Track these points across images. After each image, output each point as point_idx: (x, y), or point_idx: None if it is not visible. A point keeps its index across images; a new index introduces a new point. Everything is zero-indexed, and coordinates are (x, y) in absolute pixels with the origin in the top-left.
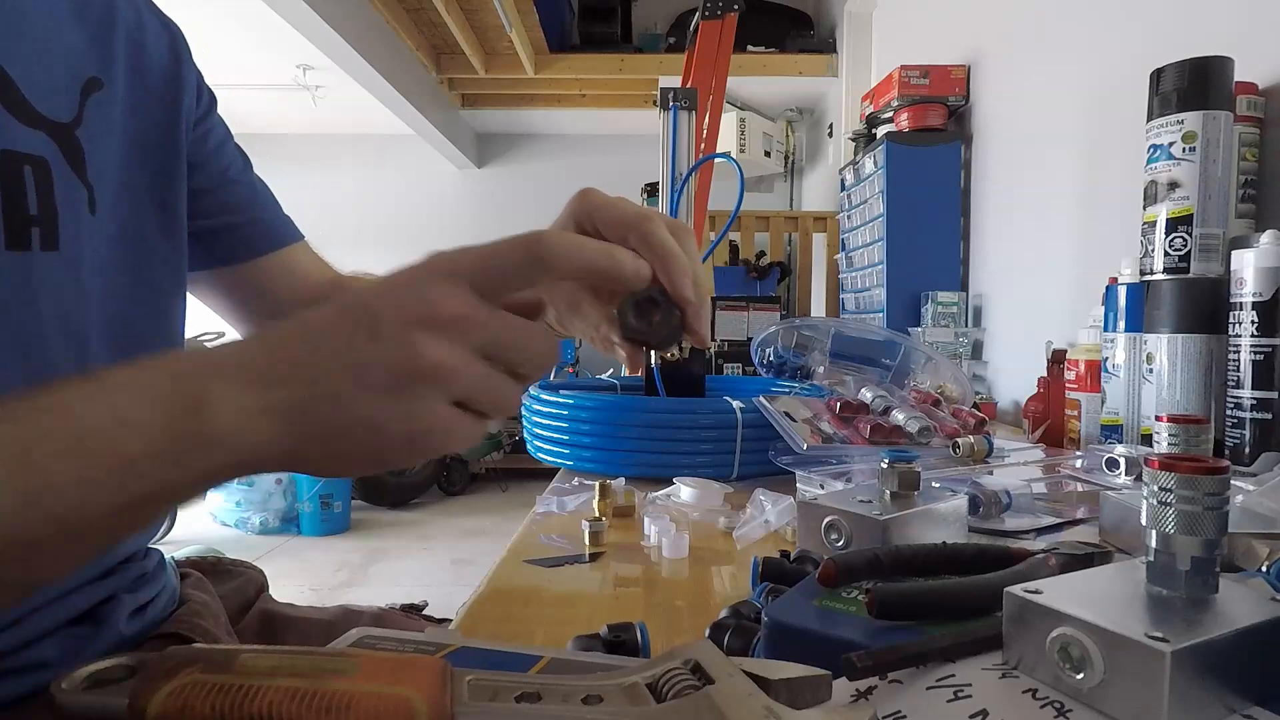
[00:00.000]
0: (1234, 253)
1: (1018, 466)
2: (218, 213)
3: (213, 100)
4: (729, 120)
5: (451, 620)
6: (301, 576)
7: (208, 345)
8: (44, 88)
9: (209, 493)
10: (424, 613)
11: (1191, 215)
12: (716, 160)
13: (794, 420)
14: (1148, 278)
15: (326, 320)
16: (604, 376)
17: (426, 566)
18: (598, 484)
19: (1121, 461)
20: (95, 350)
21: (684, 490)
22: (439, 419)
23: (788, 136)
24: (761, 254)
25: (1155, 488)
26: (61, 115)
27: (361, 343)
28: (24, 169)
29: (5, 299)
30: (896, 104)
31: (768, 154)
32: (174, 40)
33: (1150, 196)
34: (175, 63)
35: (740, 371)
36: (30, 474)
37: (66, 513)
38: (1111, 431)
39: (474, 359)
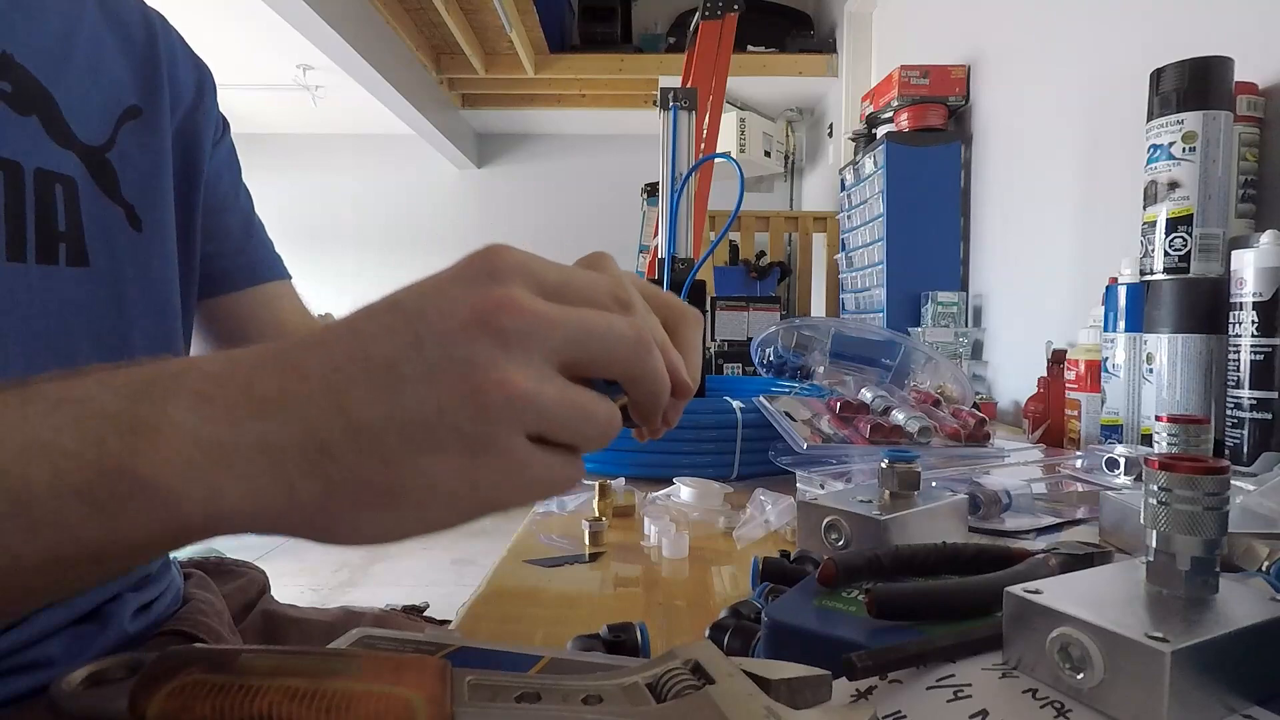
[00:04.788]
0: (1234, 253)
1: (1018, 466)
2: (207, 238)
3: (226, 128)
4: (729, 120)
5: (451, 621)
6: (302, 576)
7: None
8: (82, 112)
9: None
10: (425, 614)
11: (1191, 215)
12: (716, 160)
13: (794, 420)
14: (1148, 278)
15: (344, 321)
16: None
17: (427, 566)
18: (598, 484)
19: (1121, 461)
20: None
21: (684, 490)
22: (513, 459)
23: (788, 136)
24: (761, 254)
25: (1155, 488)
26: (94, 139)
27: (399, 350)
28: (54, 187)
29: (33, 312)
30: (896, 104)
31: (768, 154)
32: (201, 78)
33: (1150, 196)
34: (199, 98)
35: (740, 371)
36: None
37: None
38: (1111, 431)
39: (555, 378)
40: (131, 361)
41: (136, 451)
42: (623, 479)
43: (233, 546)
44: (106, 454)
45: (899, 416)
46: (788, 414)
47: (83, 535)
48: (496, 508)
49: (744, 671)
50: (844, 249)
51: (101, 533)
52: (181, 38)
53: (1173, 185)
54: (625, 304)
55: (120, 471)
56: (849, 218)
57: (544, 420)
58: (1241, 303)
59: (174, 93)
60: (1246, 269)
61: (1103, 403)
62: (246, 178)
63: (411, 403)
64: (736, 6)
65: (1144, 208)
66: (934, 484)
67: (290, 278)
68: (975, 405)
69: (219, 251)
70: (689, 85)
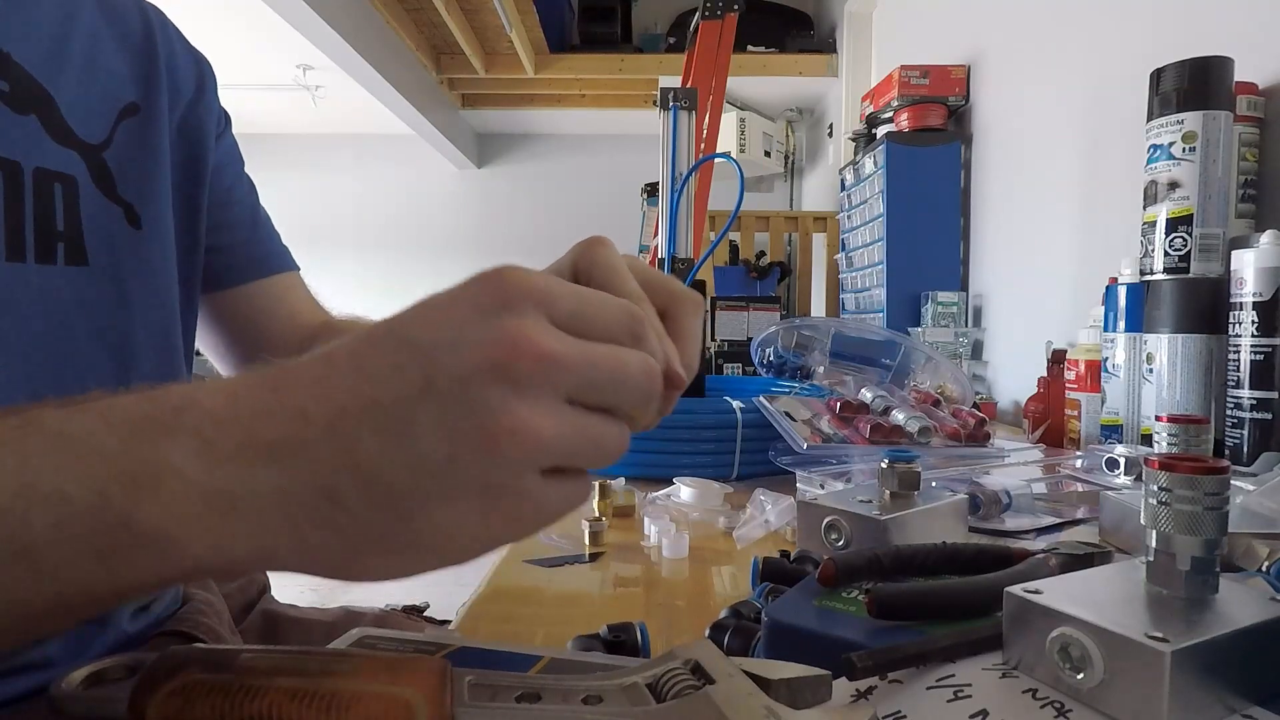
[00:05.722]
0: (1234, 253)
1: (1018, 466)
2: (213, 230)
3: (228, 122)
4: (729, 120)
5: (451, 621)
6: (302, 576)
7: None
8: (82, 109)
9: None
10: (425, 614)
11: (1191, 215)
12: (716, 160)
13: (794, 420)
14: (1148, 278)
15: (348, 355)
16: None
17: None
18: (597, 484)
19: (1121, 461)
20: (140, 363)
21: (684, 490)
22: (527, 498)
23: (788, 136)
24: (761, 254)
25: (1155, 488)
26: (93, 137)
27: (409, 396)
28: (54, 186)
29: (33, 311)
30: (896, 104)
31: (768, 154)
32: (201, 72)
33: (1150, 196)
34: (199, 91)
35: (740, 371)
36: None
37: None
38: (1111, 431)
39: (566, 412)
40: (132, 390)
41: (139, 503)
42: (623, 479)
43: None
44: (108, 504)
45: (899, 416)
46: (788, 414)
47: (87, 582)
48: (512, 540)
49: (744, 671)
50: (844, 249)
51: (106, 579)
52: (179, 32)
53: (1173, 185)
54: (639, 337)
55: (124, 523)
56: (849, 218)
57: (557, 457)
58: (1241, 303)
59: (173, 87)
60: (1246, 269)
61: (1103, 403)
62: None
63: (423, 453)
64: (736, 6)
65: (1144, 208)
66: (934, 484)
67: (299, 269)
68: (975, 405)
69: (225, 244)
70: (689, 85)
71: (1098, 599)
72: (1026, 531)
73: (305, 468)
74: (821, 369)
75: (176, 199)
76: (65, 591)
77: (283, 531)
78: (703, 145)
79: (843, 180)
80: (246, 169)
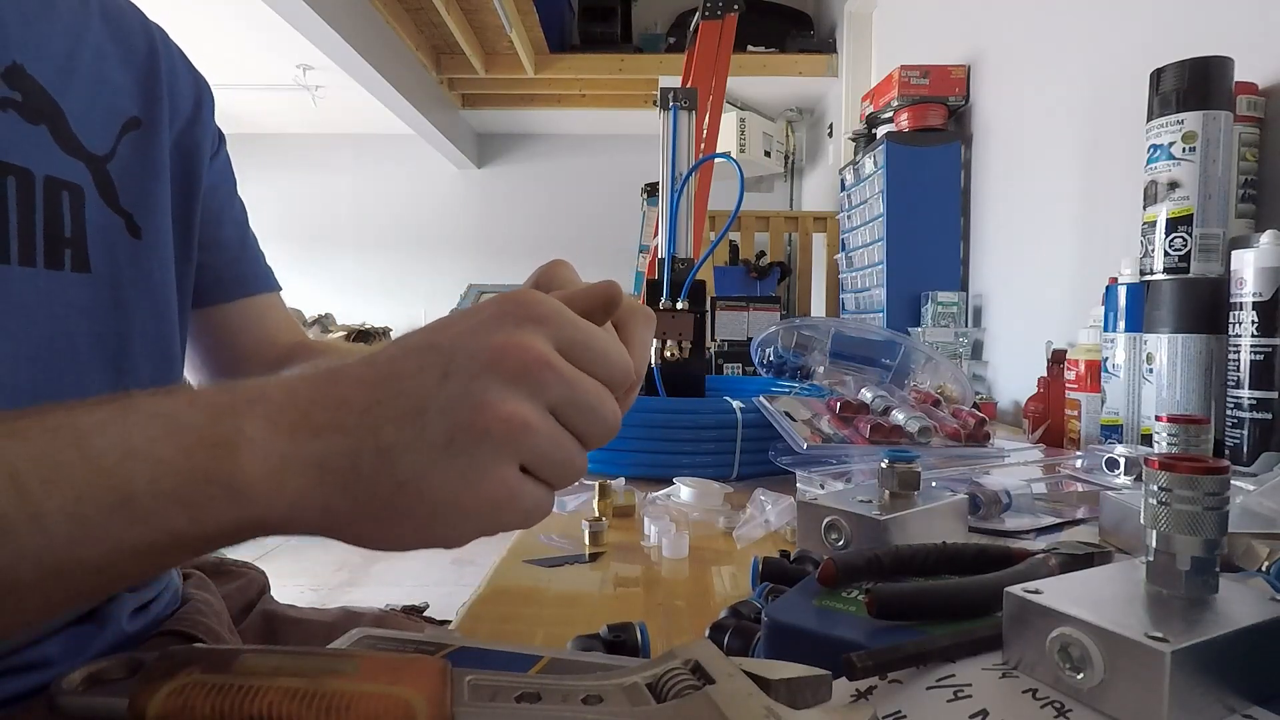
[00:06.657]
0: (1234, 253)
1: (1018, 466)
2: (202, 248)
3: (222, 142)
4: (729, 120)
5: (451, 621)
6: (302, 576)
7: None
8: (88, 121)
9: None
10: (425, 614)
11: (1191, 215)
12: (716, 160)
13: (794, 420)
14: (1148, 278)
15: (386, 359)
16: None
17: (427, 567)
18: (597, 484)
19: (1121, 461)
20: (136, 370)
21: (684, 490)
22: (505, 486)
23: (788, 136)
24: (761, 254)
25: (1155, 488)
26: (98, 148)
27: (428, 387)
28: (62, 194)
29: (40, 315)
30: (896, 104)
31: (768, 154)
32: (199, 92)
33: (1150, 196)
34: (197, 110)
35: (740, 371)
36: (11, 500)
37: (48, 551)
38: (1111, 431)
39: (549, 417)
40: (212, 386)
41: (219, 462)
42: (623, 479)
43: (233, 547)
44: (195, 464)
45: (899, 416)
46: (788, 414)
47: (173, 527)
48: (489, 531)
49: (744, 671)
50: (844, 249)
51: (187, 525)
52: (181, 51)
53: (1173, 185)
54: (630, 383)
55: (207, 478)
56: (849, 218)
57: (535, 454)
58: (1241, 303)
59: (173, 105)
60: (1246, 269)
61: (1103, 403)
62: (247, 178)
63: (429, 434)
64: (736, 6)
65: (1144, 208)
66: (934, 484)
67: (280, 289)
68: (975, 405)
69: (214, 262)
70: (689, 85)
71: (1098, 599)
72: (1026, 531)
73: (341, 443)
74: (821, 369)
75: (173, 212)
76: (155, 537)
77: (316, 494)
78: (703, 145)
79: (843, 180)
80: (247, 169)
